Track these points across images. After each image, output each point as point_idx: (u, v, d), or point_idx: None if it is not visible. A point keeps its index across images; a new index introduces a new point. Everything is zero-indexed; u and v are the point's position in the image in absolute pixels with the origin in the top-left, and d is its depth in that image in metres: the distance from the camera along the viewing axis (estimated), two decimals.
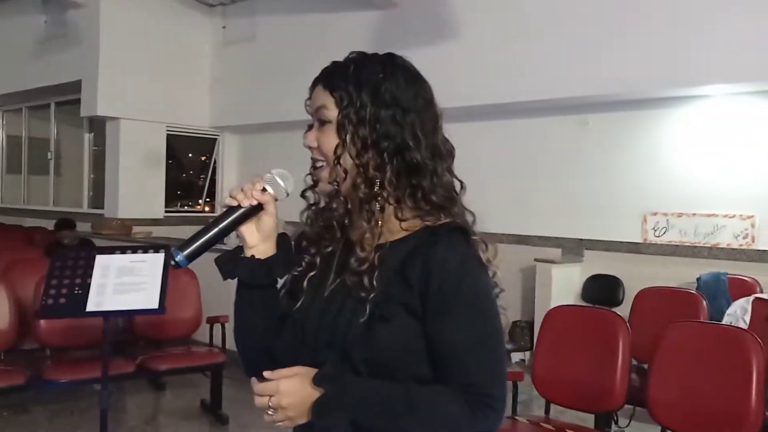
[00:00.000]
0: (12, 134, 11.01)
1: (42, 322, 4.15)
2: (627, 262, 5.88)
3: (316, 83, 1.23)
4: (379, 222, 1.16)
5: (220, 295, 5.34)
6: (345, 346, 1.13)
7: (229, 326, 4.70)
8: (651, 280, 5.13)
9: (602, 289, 5.89)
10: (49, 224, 8.58)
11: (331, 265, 1.23)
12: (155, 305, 3.12)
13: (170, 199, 9.11)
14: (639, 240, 5.88)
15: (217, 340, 4.68)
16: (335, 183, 1.19)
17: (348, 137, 1.17)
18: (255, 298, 1.23)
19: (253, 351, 1.25)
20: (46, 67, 8.94)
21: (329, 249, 1.25)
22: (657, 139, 5.86)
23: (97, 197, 9.18)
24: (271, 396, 1.09)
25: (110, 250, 3.27)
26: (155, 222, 8.51)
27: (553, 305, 4.34)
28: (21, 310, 4.37)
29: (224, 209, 1.20)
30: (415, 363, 1.13)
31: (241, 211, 1.18)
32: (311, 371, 1.10)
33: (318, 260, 1.25)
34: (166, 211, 8.87)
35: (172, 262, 1.16)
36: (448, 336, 1.12)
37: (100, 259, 3.17)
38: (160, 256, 3.25)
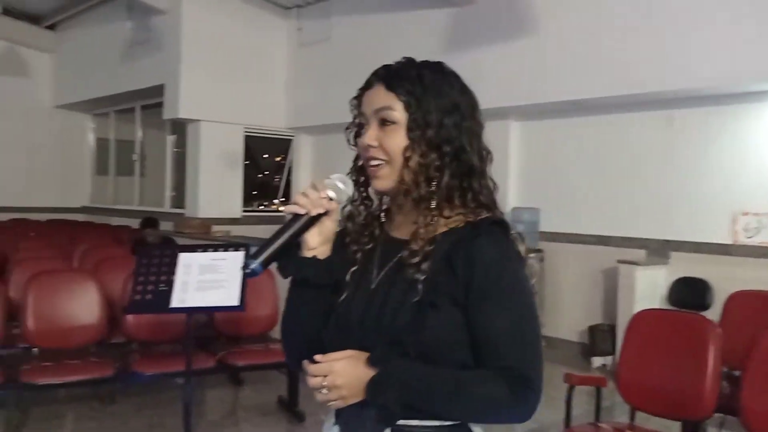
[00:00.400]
0: (101, 137, 11.56)
1: (129, 317, 4.31)
2: (716, 264, 5.59)
3: (371, 84, 1.28)
4: (434, 218, 1.24)
5: None
6: (393, 333, 1.19)
7: None
8: (741, 283, 4.85)
9: (689, 293, 5.64)
10: (134, 223, 8.95)
11: (371, 259, 1.30)
12: (235, 302, 3.19)
13: (247, 199, 9.34)
14: (729, 241, 5.59)
15: None
16: (400, 182, 1.25)
17: (415, 139, 1.23)
18: (312, 295, 1.29)
19: (302, 344, 1.30)
20: (132, 73, 9.33)
21: (369, 245, 1.32)
22: (748, 135, 5.56)
23: (179, 197, 9.52)
24: (325, 376, 1.16)
25: (192, 249, 3.36)
26: (233, 221, 8.75)
27: (636, 309, 4.18)
28: (110, 305, 4.55)
29: (290, 216, 1.25)
30: (458, 351, 1.19)
31: (308, 218, 1.24)
32: (363, 354, 1.18)
33: (359, 255, 1.31)
34: (244, 211, 9.09)
35: (247, 270, 1.20)
36: (489, 323, 1.19)
37: (183, 257, 3.26)
38: (239, 255, 3.31)
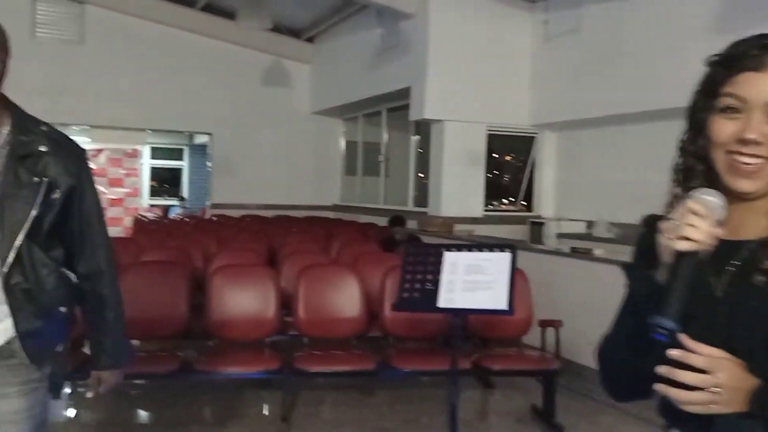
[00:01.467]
0: (350, 140, 12.34)
1: (387, 312, 4.44)
2: None
3: (762, 65, 1.05)
4: None
5: (552, 299, 5.23)
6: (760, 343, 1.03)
7: (563, 332, 4.52)
8: None
9: None
10: (379, 221, 9.37)
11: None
12: (504, 306, 3.07)
13: (488, 198, 9.26)
14: None
15: (549, 345, 4.52)
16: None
17: None
18: None
19: (637, 372, 1.11)
20: (379, 77, 9.77)
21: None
22: None
23: (421, 196, 9.76)
24: (704, 372, 0.99)
25: (458, 248, 3.31)
26: (475, 220, 8.72)
27: None
28: (369, 300, 4.73)
29: (677, 254, 1.03)
30: None
31: (699, 255, 1.03)
32: (735, 358, 1.02)
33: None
34: (485, 210, 9.04)
35: (662, 331, 1.00)
36: None
37: (449, 256, 3.22)
38: (506, 256, 3.19)
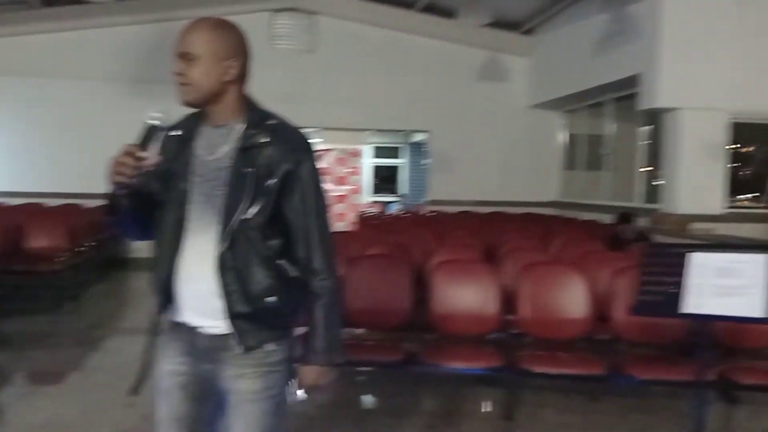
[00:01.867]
0: (572, 133, 11.87)
1: (619, 315, 4.17)
2: None
3: None
4: None
5: None
6: None
7: None
8: None
9: None
10: (601, 218, 8.88)
11: None
12: (760, 313, 2.70)
13: (729, 194, 8.33)
14: None
15: None
16: None
17: None
18: None
19: None
20: (604, 66, 9.26)
21: None
22: None
23: (650, 191, 9.07)
24: None
25: (706, 249, 2.98)
26: (713, 218, 7.90)
27: None
28: (596, 301, 4.47)
29: None
30: None
31: None
32: None
33: None
34: (726, 207, 8.14)
35: None
36: None
37: (696, 258, 2.91)
38: (764, 258, 2.80)
